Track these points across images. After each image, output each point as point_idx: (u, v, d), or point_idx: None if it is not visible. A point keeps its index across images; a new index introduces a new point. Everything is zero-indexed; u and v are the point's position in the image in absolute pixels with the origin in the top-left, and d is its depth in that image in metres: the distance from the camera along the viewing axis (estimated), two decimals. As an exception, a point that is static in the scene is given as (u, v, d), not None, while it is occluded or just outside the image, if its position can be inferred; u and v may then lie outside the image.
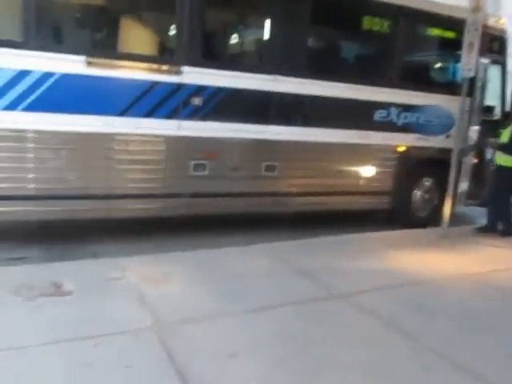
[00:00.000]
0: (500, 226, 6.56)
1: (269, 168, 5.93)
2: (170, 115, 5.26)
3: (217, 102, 5.45)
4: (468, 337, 3.49)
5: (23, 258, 4.71)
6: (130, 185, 5.25)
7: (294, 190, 6.17)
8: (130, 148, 5.16)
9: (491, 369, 3.05)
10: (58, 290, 3.72)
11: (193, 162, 5.49)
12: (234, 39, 6.32)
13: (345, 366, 2.95)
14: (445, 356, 3.16)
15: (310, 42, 6.25)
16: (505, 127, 6.57)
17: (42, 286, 3.76)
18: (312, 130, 6.06)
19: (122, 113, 5.03)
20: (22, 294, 3.60)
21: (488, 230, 6.57)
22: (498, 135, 6.69)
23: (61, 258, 4.56)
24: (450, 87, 6.81)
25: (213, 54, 5.73)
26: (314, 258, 5.05)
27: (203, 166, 5.55)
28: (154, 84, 5.13)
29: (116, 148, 5.11)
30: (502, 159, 6.38)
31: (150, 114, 5.16)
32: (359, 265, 4.94)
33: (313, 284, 4.35)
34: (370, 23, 6.33)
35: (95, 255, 4.81)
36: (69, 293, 3.70)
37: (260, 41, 6.20)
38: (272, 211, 6.24)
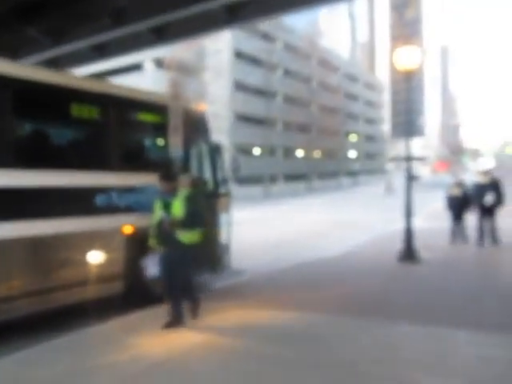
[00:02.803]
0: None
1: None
2: None
3: None
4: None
5: None
6: None
7: (15, 292, 5.47)
8: None
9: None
10: None
11: None
12: None
13: None
14: None
15: (17, 131, 5.89)
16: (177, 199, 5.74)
17: None
18: (27, 224, 5.57)
19: None
20: None
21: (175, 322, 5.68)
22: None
23: None
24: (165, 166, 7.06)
25: None
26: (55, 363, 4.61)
27: None
28: None
29: None
30: (186, 236, 5.67)
31: None
32: (103, 362, 4.68)
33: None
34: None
35: None
36: None
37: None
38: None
